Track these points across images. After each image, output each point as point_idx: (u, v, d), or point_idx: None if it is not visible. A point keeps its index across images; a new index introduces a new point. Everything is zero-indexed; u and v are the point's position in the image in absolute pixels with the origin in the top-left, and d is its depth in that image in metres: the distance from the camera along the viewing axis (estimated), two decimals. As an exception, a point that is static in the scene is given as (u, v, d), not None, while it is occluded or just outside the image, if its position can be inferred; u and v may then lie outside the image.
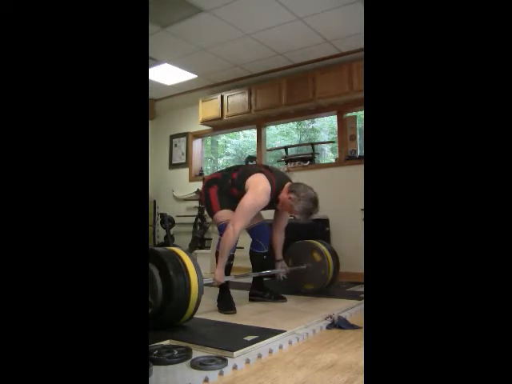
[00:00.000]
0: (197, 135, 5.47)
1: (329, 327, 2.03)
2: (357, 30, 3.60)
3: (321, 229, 3.83)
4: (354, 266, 3.59)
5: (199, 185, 4.50)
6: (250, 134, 10.27)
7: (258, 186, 2.38)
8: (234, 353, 1.53)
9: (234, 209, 2.41)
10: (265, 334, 1.80)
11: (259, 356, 1.55)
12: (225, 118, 4.86)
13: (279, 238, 2.82)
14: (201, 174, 5.38)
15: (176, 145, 5.60)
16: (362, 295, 2.76)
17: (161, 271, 1.88)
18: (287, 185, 2.50)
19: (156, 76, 4.81)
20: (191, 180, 5.36)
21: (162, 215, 4.95)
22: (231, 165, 6.33)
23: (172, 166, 5.61)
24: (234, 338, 1.75)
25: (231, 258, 2.46)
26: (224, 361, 1.44)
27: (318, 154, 4.88)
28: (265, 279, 2.84)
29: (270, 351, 1.62)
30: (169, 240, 4.78)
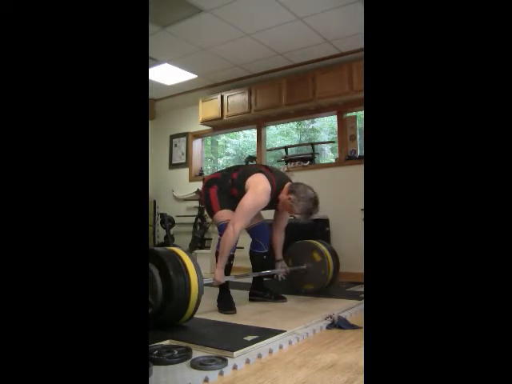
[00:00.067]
0: (197, 135, 5.47)
1: (329, 327, 2.03)
2: (357, 30, 3.61)
3: (321, 229, 3.83)
4: (354, 265, 3.59)
5: (199, 185, 4.50)
6: (250, 134, 10.27)
7: (258, 186, 2.38)
8: (234, 353, 1.53)
9: (233, 209, 2.41)
10: (265, 334, 1.80)
11: (259, 356, 1.55)
12: (225, 118, 4.86)
13: (279, 238, 2.82)
14: (201, 174, 5.38)
15: (176, 145, 5.60)
16: (362, 295, 2.76)
17: (161, 271, 1.88)
18: (287, 185, 2.50)
19: (156, 76, 4.81)
20: (191, 180, 5.36)
21: (162, 215, 4.95)
22: (231, 165, 6.33)
23: (172, 166, 5.61)
24: (234, 338, 1.75)
25: (231, 257, 2.46)
26: (224, 361, 1.44)
27: (317, 154, 4.88)
28: (265, 279, 2.84)
29: (270, 351, 1.62)
30: (169, 240, 4.78)
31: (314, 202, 2.41)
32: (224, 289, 2.46)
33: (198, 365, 1.40)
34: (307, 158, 4.48)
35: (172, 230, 5.00)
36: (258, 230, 2.68)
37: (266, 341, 1.70)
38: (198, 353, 1.55)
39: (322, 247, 2.92)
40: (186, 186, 5.36)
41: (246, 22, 3.58)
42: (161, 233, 5.18)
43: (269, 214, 2.77)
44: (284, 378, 1.35)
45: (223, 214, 2.50)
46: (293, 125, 10.76)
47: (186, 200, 5.29)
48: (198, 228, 4.82)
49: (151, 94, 5.49)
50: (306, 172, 4.30)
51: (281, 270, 2.80)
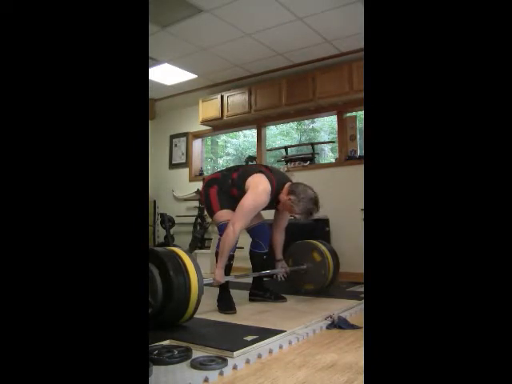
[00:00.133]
0: (197, 135, 5.47)
1: (329, 327, 2.03)
2: (357, 30, 3.61)
3: (321, 229, 3.83)
4: (354, 265, 3.59)
5: (199, 185, 4.50)
6: (250, 134, 10.27)
7: (258, 186, 2.38)
8: (234, 353, 1.53)
9: (233, 209, 2.41)
10: (265, 334, 1.80)
11: (259, 356, 1.55)
12: (225, 118, 4.86)
13: (279, 238, 2.82)
14: (201, 174, 5.39)
15: (176, 145, 5.60)
16: (362, 295, 2.76)
17: (161, 271, 1.88)
18: (287, 185, 2.49)
19: (156, 76, 4.81)
20: (191, 180, 5.36)
21: (162, 215, 4.95)
22: (231, 165, 6.33)
23: (172, 166, 5.61)
24: (234, 338, 1.75)
25: (231, 257, 2.46)
26: (224, 361, 1.44)
27: (317, 154, 4.88)
28: (265, 279, 2.84)
29: (270, 351, 1.62)
30: (169, 240, 4.79)
31: (315, 201, 2.41)
32: (224, 289, 2.46)
33: (198, 365, 1.40)
34: (307, 158, 4.48)
35: (172, 230, 5.00)
36: (258, 230, 2.68)
37: (265, 341, 1.70)
38: (197, 353, 1.55)
39: (322, 247, 2.93)
40: (185, 186, 5.36)
41: (246, 22, 3.58)
42: (161, 233, 5.18)
43: (269, 214, 2.77)
44: (284, 378, 1.35)
45: (223, 214, 2.50)
46: (293, 125, 10.76)
47: (185, 200, 5.29)
48: (198, 228, 4.82)
49: (151, 94, 5.49)
50: (306, 172, 4.30)
51: (281, 270, 2.80)
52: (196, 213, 4.95)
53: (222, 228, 2.45)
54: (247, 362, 1.49)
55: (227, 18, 3.48)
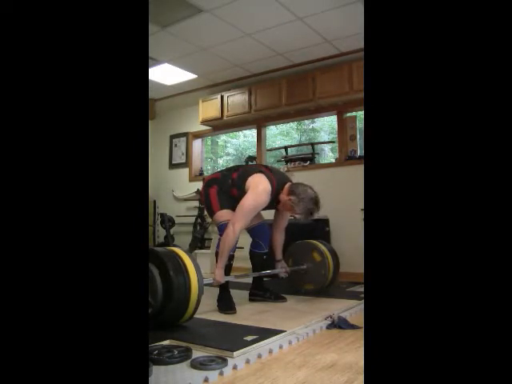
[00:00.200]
0: (197, 135, 5.47)
1: (329, 327, 2.03)
2: (357, 30, 3.61)
3: (321, 229, 3.83)
4: (354, 265, 3.59)
5: (199, 185, 4.50)
6: (250, 134, 10.27)
7: (259, 186, 2.38)
8: (234, 353, 1.53)
9: (233, 209, 2.42)
10: (265, 334, 1.80)
11: (259, 356, 1.55)
12: (225, 118, 4.86)
13: (279, 238, 2.82)
14: (201, 174, 5.39)
15: (176, 145, 5.60)
16: (362, 295, 2.76)
17: (161, 271, 1.88)
18: (287, 185, 2.49)
19: (156, 76, 4.81)
20: (191, 180, 5.36)
21: (162, 215, 4.95)
22: (231, 165, 6.33)
23: (172, 166, 5.61)
24: (234, 338, 1.75)
25: (231, 257, 2.46)
26: (224, 361, 1.44)
27: (317, 154, 4.88)
28: (265, 279, 2.84)
29: (270, 351, 1.62)
30: (169, 240, 4.79)
31: (315, 201, 2.41)
32: (224, 289, 2.46)
33: (198, 365, 1.40)
34: (307, 158, 4.48)
35: (172, 230, 5.00)
36: (258, 230, 2.68)
37: (266, 341, 1.70)
38: (197, 353, 1.55)
39: (322, 247, 2.93)
40: (185, 186, 5.36)
41: (246, 22, 3.58)
42: (161, 233, 5.18)
43: (269, 214, 2.77)
44: (284, 378, 1.35)
45: (223, 214, 2.50)
46: (293, 125, 10.76)
47: (185, 200, 5.29)
48: (198, 228, 4.82)
49: (151, 94, 5.49)
50: (306, 172, 4.30)
51: (281, 270, 2.80)
52: (196, 213, 4.95)
53: (221, 228, 2.45)
54: (247, 362, 1.49)
55: (227, 17, 3.48)
